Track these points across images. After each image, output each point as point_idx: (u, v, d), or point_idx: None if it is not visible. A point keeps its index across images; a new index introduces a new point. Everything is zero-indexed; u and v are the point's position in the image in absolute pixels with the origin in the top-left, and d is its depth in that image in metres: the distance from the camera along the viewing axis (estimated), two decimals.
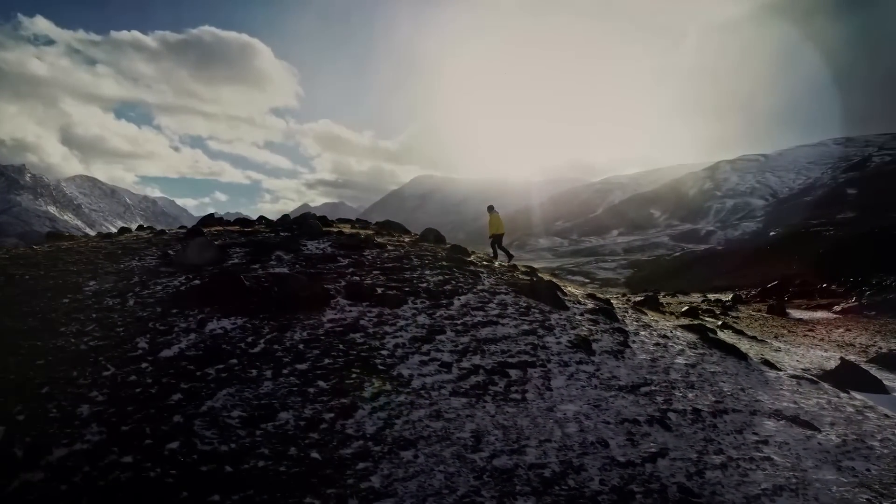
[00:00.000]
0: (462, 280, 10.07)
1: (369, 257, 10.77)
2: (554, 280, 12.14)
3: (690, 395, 7.63)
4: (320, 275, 9.21)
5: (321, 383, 6.10)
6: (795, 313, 21.85)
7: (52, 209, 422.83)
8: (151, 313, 7.55)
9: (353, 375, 6.34)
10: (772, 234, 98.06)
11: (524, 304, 9.31)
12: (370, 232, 14.04)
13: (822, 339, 15.92)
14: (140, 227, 15.09)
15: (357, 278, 9.19)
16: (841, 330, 17.93)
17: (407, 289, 8.98)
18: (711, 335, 11.24)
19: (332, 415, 5.64)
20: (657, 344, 9.54)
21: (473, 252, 13.54)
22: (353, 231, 13.60)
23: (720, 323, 15.70)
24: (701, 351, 9.78)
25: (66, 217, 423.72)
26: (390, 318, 7.88)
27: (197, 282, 8.51)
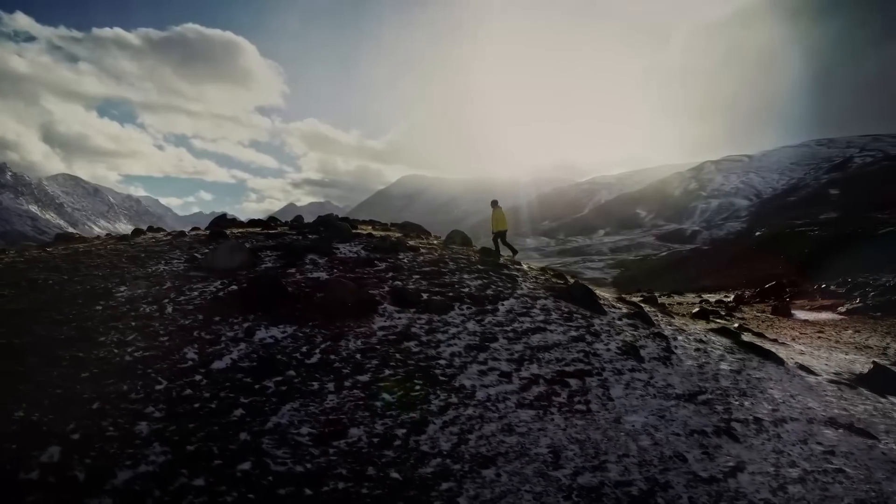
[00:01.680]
0: (501, 284, 9.85)
1: (405, 261, 10.49)
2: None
3: (746, 403, 7.50)
4: (361, 279, 8.93)
5: (386, 396, 5.84)
6: (800, 314, 21.88)
7: (33, 208, 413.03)
8: (193, 321, 7.20)
9: (417, 387, 6.09)
10: (757, 234, 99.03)
11: (566, 310, 9.12)
12: (399, 234, 13.72)
13: (837, 342, 15.91)
14: (151, 228, 14.61)
15: (399, 283, 8.93)
16: (850, 331, 17.92)
17: (451, 294, 8.74)
18: (743, 339, 11.16)
19: (403, 430, 5.38)
20: (697, 349, 9.42)
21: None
22: (384, 233, 13.28)
23: (736, 325, 15.64)
24: (740, 356, 9.67)
25: (47, 216, 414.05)
26: (440, 326, 7.64)
27: (234, 287, 8.16)
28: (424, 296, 8.44)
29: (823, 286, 28.34)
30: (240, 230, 13.20)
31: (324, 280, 8.58)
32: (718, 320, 17.05)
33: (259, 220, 15.00)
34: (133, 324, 7.04)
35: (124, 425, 5.12)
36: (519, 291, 9.63)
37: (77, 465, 4.63)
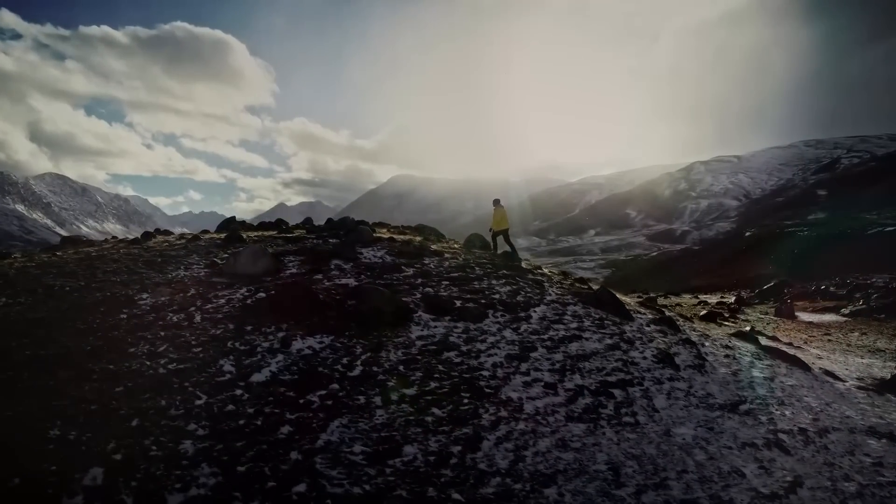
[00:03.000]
0: (530, 290, 9.65)
1: (432, 266, 10.24)
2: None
3: (787, 412, 7.40)
4: (391, 286, 8.69)
5: (436, 411, 5.62)
6: (804, 316, 21.90)
7: (20, 207, 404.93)
8: (225, 330, 6.93)
9: (465, 401, 5.88)
10: (746, 234, 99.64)
11: (596, 316, 8.96)
12: (420, 238, 13.47)
13: (848, 345, 15.90)
14: (159, 231, 14.24)
15: (430, 290, 8.70)
16: (857, 334, 17.94)
17: (483, 301, 8.54)
18: (763, 344, 11.09)
19: (458, 447, 5.17)
20: (727, 356, 9.33)
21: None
22: (405, 237, 13.02)
23: (748, 328, 15.56)
24: (768, 362, 9.58)
25: (35, 216, 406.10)
26: (478, 335, 7.44)
27: (262, 294, 7.89)
28: (457, 303, 8.23)
29: (822, 287, 28.49)
30: (255, 234, 12.88)
31: (353, 287, 8.33)
32: (726, 323, 16.99)
33: (271, 222, 14.71)
34: (162, 333, 6.76)
35: (168, 444, 4.87)
36: (548, 297, 9.44)
37: (123, 488, 4.38)
